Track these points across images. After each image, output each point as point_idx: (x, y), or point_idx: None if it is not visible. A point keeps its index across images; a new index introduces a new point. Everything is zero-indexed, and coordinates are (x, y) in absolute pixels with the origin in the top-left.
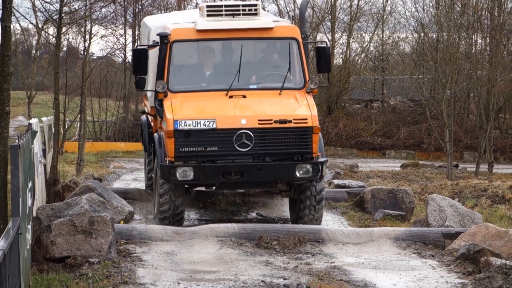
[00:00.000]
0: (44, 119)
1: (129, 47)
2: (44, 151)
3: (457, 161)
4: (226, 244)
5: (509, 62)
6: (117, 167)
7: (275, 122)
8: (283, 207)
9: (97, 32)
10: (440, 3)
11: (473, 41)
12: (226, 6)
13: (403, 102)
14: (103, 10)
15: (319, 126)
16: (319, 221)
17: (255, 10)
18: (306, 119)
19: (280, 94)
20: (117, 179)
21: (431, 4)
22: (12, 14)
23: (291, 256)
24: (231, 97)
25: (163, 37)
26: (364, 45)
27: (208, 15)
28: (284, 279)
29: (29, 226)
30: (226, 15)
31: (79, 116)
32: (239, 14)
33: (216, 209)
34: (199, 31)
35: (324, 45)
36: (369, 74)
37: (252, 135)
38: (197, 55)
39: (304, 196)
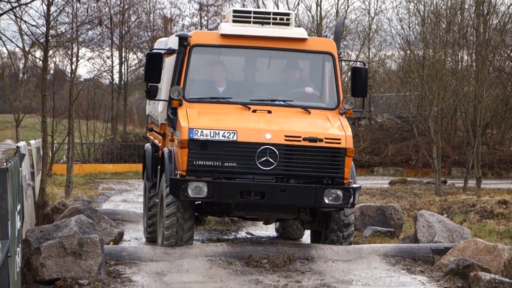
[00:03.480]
0: (32, 142)
1: (116, 69)
2: (32, 174)
3: (445, 177)
4: (216, 263)
5: (495, 78)
6: (106, 188)
7: (304, 139)
8: (273, 226)
9: (84, 54)
10: (426, 21)
11: (459, 58)
12: (255, 13)
13: (390, 119)
14: (90, 32)
15: (353, 149)
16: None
17: (287, 20)
18: (339, 139)
19: (309, 113)
20: (106, 201)
21: (416, 22)
22: None
23: (281, 274)
24: (254, 111)
25: (183, 38)
26: (350, 64)
27: (234, 21)
28: None
29: (18, 249)
30: (254, 22)
31: (67, 138)
32: (269, 23)
33: (206, 228)
34: (223, 36)
35: (362, 65)
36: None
37: (277, 152)
38: (219, 62)
39: (329, 230)
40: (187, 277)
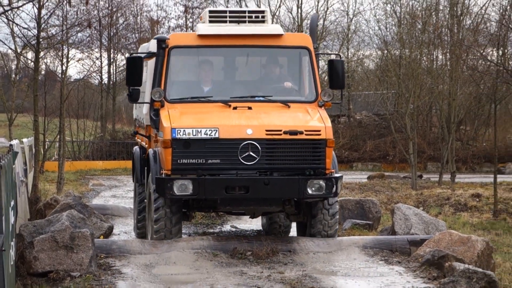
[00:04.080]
0: (24, 140)
1: (105, 69)
2: (25, 171)
3: (421, 172)
4: (202, 255)
5: (469, 77)
6: (96, 184)
7: (285, 133)
8: (256, 220)
9: (74, 55)
10: (402, 22)
11: (434, 57)
12: (230, 12)
13: (369, 116)
14: (79, 34)
15: (334, 139)
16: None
17: (263, 17)
18: (319, 130)
19: (289, 107)
20: (96, 196)
21: (393, 23)
22: None
23: (264, 266)
24: (235, 108)
25: (161, 41)
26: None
27: (210, 21)
28: (258, 287)
29: (12, 243)
30: (230, 21)
31: (58, 136)
32: (245, 21)
33: (192, 222)
34: (200, 36)
35: (338, 58)
36: (335, 91)
37: (259, 147)
38: (197, 62)
39: (315, 220)
40: (174, 269)
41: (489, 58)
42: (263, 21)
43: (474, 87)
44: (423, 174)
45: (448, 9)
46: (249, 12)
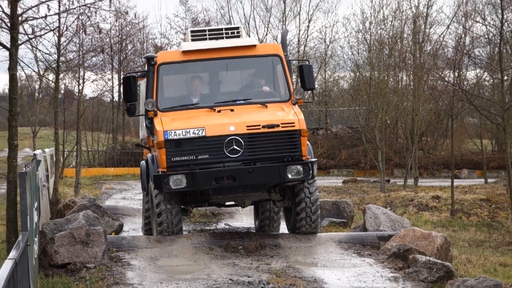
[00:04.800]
0: (46, 150)
1: (116, 89)
2: (47, 176)
3: (388, 177)
4: (200, 249)
5: (429, 95)
6: (108, 188)
7: (263, 127)
8: (247, 218)
9: (89, 77)
10: (372, 48)
11: (399, 78)
12: (209, 30)
13: (343, 129)
14: (94, 59)
15: (307, 129)
16: (316, 228)
17: (238, 32)
18: (293, 123)
19: (267, 107)
20: (108, 198)
21: (364, 48)
22: (18, 64)
23: (254, 258)
24: (219, 111)
25: (150, 59)
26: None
27: (192, 39)
28: (248, 277)
29: (36, 239)
30: (210, 38)
31: (75, 147)
32: (222, 37)
33: (191, 220)
34: (184, 52)
35: (307, 63)
36: (314, 107)
37: (242, 141)
38: (183, 75)
39: (299, 207)
40: (176, 261)
41: (446, 79)
42: (238, 36)
43: (433, 104)
44: (390, 179)
45: (411, 37)
46: (226, 29)
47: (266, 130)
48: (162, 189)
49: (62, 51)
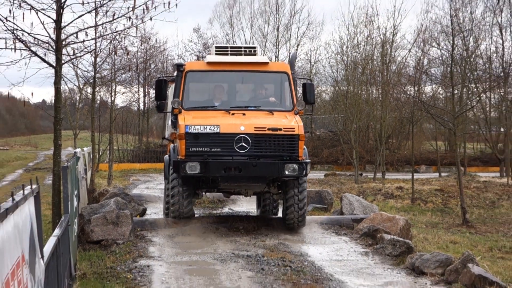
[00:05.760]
0: (85, 148)
1: (141, 100)
2: (85, 170)
3: (361, 171)
4: (208, 229)
5: (394, 105)
6: (135, 180)
7: (268, 129)
8: (247, 204)
9: (120, 90)
10: (348, 67)
11: (370, 92)
12: (231, 47)
13: (325, 132)
14: (123, 75)
15: (304, 135)
16: (303, 222)
17: (254, 51)
18: (294, 128)
19: (273, 114)
20: (135, 188)
21: (342, 68)
22: (61, 79)
23: (251, 236)
24: (233, 114)
25: (179, 66)
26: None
27: (216, 53)
28: (247, 251)
29: (75, 220)
30: (231, 54)
31: (108, 146)
32: (241, 54)
33: (201, 206)
34: (208, 63)
35: (309, 82)
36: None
37: (249, 139)
38: (206, 82)
39: (289, 203)
40: (189, 238)
41: (408, 92)
42: (254, 54)
43: (398, 112)
44: (363, 173)
45: (380, 58)
46: (244, 47)
47: (270, 132)
48: (179, 172)
49: (97, 69)
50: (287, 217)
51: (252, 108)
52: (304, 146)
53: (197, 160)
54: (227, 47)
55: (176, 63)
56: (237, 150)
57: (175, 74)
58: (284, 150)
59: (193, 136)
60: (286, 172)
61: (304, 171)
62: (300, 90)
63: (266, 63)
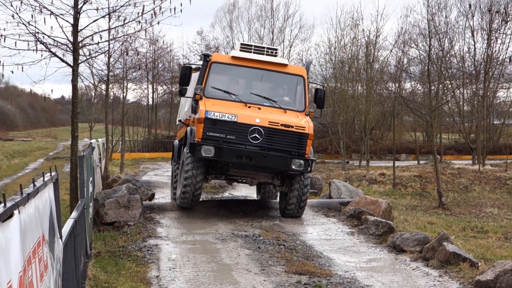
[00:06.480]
0: (99, 139)
1: (150, 95)
2: (100, 159)
3: (348, 159)
4: (210, 212)
5: (377, 100)
6: (144, 167)
7: (281, 125)
8: (246, 190)
9: (131, 87)
10: (336, 66)
11: (356, 88)
12: (255, 46)
13: (315, 124)
14: (134, 74)
15: (313, 135)
16: (301, 214)
17: (275, 52)
18: (304, 127)
19: (286, 112)
20: (144, 175)
21: (330, 66)
22: (78, 77)
23: (249, 219)
24: (249, 107)
25: (206, 56)
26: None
27: (240, 50)
28: (245, 231)
29: (91, 204)
30: (254, 52)
31: (121, 137)
32: (263, 53)
33: (204, 191)
34: (232, 57)
35: (321, 87)
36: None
37: (262, 132)
38: (228, 75)
39: (292, 194)
40: (193, 220)
41: (390, 89)
42: (275, 55)
43: (380, 107)
44: (349, 161)
45: (364, 58)
46: (267, 48)
47: (282, 128)
48: (195, 154)
49: (111, 68)
50: (288, 207)
51: (268, 104)
52: (311, 146)
53: (213, 145)
54: (251, 45)
55: (204, 53)
56: (250, 140)
57: (200, 63)
58: (293, 146)
59: (212, 121)
60: (293, 167)
61: (309, 168)
62: (312, 94)
63: (286, 65)
